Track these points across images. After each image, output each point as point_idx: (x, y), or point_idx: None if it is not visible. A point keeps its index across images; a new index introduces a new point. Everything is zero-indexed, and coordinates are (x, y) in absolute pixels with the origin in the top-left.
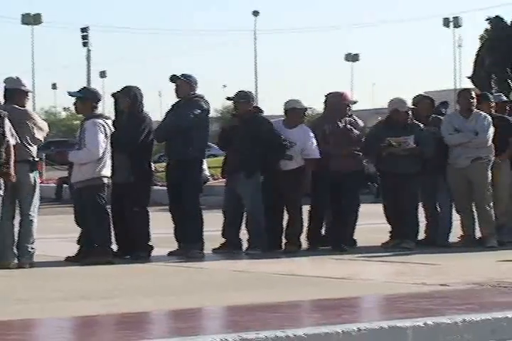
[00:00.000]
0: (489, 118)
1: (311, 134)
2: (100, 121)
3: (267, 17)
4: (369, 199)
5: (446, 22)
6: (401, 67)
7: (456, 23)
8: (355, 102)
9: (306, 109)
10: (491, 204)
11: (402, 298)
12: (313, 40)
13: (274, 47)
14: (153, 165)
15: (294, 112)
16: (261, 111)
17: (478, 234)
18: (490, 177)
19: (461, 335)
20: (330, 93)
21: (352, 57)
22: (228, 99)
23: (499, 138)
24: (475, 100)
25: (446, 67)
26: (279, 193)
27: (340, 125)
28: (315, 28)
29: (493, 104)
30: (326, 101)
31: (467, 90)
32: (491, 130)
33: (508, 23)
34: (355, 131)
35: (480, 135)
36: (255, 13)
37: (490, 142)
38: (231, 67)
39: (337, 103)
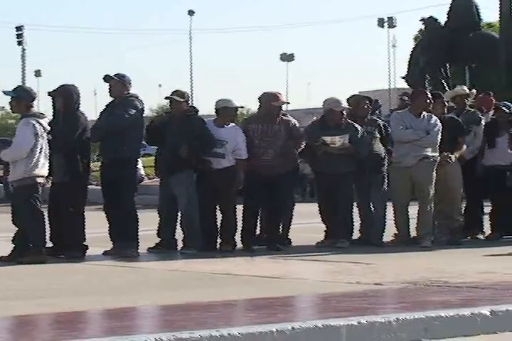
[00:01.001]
0: (438, 119)
1: (242, 133)
2: (32, 120)
3: (202, 17)
4: (299, 199)
5: (380, 22)
6: (336, 67)
7: (391, 23)
8: (287, 103)
9: (237, 108)
10: (432, 204)
11: (337, 297)
12: (249, 40)
13: (210, 46)
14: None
15: (225, 111)
16: (196, 110)
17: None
18: (434, 178)
19: (395, 334)
20: (264, 93)
21: (287, 57)
22: (166, 98)
23: (449, 137)
24: (430, 101)
25: (380, 67)
26: (213, 192)
27: (273, 125)
28: (250, 28)
29: (446, 103)
30: (259, 101)
31: (423, 91)
32: (440, 131)
33: (442, 23)
34: (289, 131)
35: (431, 134)
36: (191, 13)
37: (438, 142)
38: (167, 67)
39: (268, 104)
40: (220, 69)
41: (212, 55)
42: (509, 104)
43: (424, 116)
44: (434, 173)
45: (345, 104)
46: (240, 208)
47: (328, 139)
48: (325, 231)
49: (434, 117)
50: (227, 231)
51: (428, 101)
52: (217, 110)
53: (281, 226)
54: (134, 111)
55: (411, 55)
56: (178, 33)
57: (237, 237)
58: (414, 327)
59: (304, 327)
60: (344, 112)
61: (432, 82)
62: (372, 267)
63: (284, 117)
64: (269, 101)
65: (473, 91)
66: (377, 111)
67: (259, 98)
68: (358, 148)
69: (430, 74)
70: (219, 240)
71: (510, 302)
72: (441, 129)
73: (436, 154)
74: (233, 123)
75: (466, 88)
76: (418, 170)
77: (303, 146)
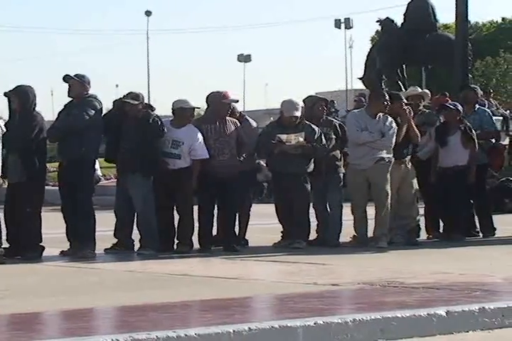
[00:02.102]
0: (393, 121)
1: (199, 134)
2: None
3: (159, 17)
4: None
5: (337, 23)
6: (293, 68)
7: (348, 24)
8: (236, 101)
9: (193, 108)
10: (388, 205)
11: (293, 298)
12: (206, 41)
13: (167, 47)
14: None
15: (182, 112)
16: (152, 108)
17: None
18: (389, 179)
19: (352, 334)
20: (211, 93)
21: (244, 58)
22: (121, 102)
23: (409, 139)
24: (387, 102)
25: (337, 68)
26: (169, 193)
27: (226, 124)
28: (207, 29)
29: (404, 104)
30: (207, 101)
31: (381, 93)
32: (395, 133)
33: (399, 24)
34: (242, 131)
35: (386, 136)
36: (148, 13)
37: (393, 144)
38: (124, 67)
39: (218, 102)
40: (177, 69)
41: (169, 55)
42: (456, 103)
43: (379, 117)
44: (389, 175)
45: (301, 107)
46: (196, 209)
47: (283, 137)
48: (282, 231)
49: (390, 119)
50: (184, 232)
51: (385, 102)
52: (173, 111)
53: (238, 227)
54: (93, 111)
55: (368, 56)
56: (135, 34)
57: (194, 238)
58: (370, 328)
59: (260, 328)
60: (298, 115)
61: (388, 83)
62: (329, 268)
63: (241, 118)
64: (219, 100)
65: (427, 91)
66: (334, 111)
67: (207, 98)
68: (315, 148)
69: (387, 75)
70: (176, 241)
71: (465, 303)
72: (396, 131)
73: (391, 155)
74: (190, 124)
75: (419, 89)
76: (374, 172)
77: (259, 146)
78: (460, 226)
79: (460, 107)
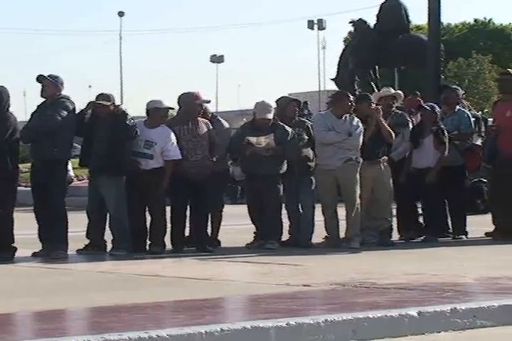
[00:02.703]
0: (359, 121)
1: (172, 135)
2: None
3: (133, 18)
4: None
5: (310, 24)
6: (266, 69)
7: (321, 25)
8: (208, 101)
9: (167, 109)
10: (358, 205)
11: (266, 299)
12: (179, 41)
13: (141, 47)
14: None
15: (155, 112)
16: (123, 111)
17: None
18: (358, 179)
19: (324, 335)
20: (183, 93)
21: (217, 59)
22: (93, 103)
23: (382, 140)
24: (351, 103)
25: (310, 68)
26: (141, 193)
27: (198, 125)
28: (180, 29)
29: (373, 104)
30: (178, 102)
31: (345, 93)
32: (362, 133)
33: (372, 25)
34: (214, 132)
35: (353, 136)
36: (121, 14)
37: (360, 144)
38: (97, 68)
39: (190, 103)
40: (151, 70)
41: (142, 56)
42: (434, 104)
43: (346, 117)
44: (358, 174)
45: (273, 108)
46: (168, 209)
47: (253, 139)
48: (254, 232)
49: (356, 119)
50: (156, 233)
51: (350, 103)
52: (147, 111)
53: (210, 228)
54: (66, 112)
55: (340, 57)
56: (109, 34)
57: (167, 238)
58: (342, 329)
59: (232, 329)
60: (271, 117)
61: (361, 84)
62: (302, 268)
63: (213, 119)
64: (191, 101)
65: (400, 92)
66: (306, 112)
67: (179, 98)
68: (287, 149)
69: (359, 76)
70: (148, 241)
71: (437, 304)
72: (362, 131)
73: (359, 155)
74: (164, 124)
75: (392, 90)
76: (343, 172)
77: (231, 147)
78: (433, 227)
79: (437, 109)
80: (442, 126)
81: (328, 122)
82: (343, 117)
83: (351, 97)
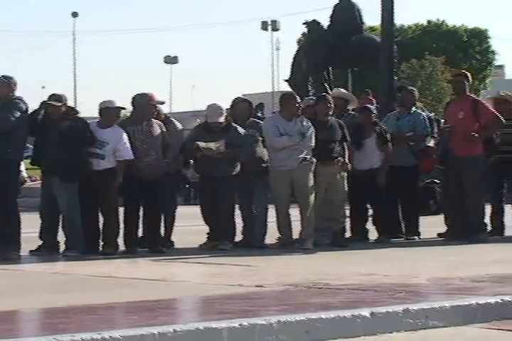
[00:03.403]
0: (309, 121)
1: (124, 135)
2: None
3: (86, 18)
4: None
5: (264, 25)
6: (220, 70)
7: (275, 26)
8: (162, 103)
9: (119, 108)
10: (312, 206)
11: (219, 300)
12: (133, 42)
13: (94, 48)
14: None
15: (107, 112)
16: (76, 111)
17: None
18: (312, 179)
19: (276, 336)
20: (137, 94)
21: (171, 60)
22: (44, 103)
23: (337, 141)
24: (299, 104)
25: (264, 70)
26: (94, 194)
27: (152, 126)
28: (134, 30)
29: (330, 105)
30: (132, 103)
31: (292, 95)
32: (313, 133)
33: (325, 27)
34: (167, 133)
35: (306, 137)
36: (74, 15)
37: (313, 145)
38: (50, 68)
39: (144, 104)
40: (105, 71)
41: (96, 56)
42: (371, 106)
43: (295, 119)
44: (311, 174)
45: (225, 111)
46: (122, 210)
47: (202, 145)
48: (207, 233)
49: (306, 119)
50: (109, 234)
51: (296, 104)
52: (100, 111)
53: (163, 229)
54: (19, 113)
55: (294, 58)
56: (62, 35)
57: (120, 239)
58: (295, 329)
59: (185, 330)
60: (222, 121)
61: (314, 85)
62: (255, 269)
63: (166, 119)
64: (145, 101)
65: (349, 93)
66: (260, 114)
67: (133, 99)
68: (240, 151)
69: (313, 77)
70: (101, 242)
71: (389, 304)
72: (314, 131)
73: (313, 156)
74: (116, 125)
75: (342, 90)
76: (298, 173)
77: (184, 149)
78: (385, 228)
79: (374, 109)
80: (383, 126)
81: (280, 126)
82: (293, 119)
83: (298, 98)
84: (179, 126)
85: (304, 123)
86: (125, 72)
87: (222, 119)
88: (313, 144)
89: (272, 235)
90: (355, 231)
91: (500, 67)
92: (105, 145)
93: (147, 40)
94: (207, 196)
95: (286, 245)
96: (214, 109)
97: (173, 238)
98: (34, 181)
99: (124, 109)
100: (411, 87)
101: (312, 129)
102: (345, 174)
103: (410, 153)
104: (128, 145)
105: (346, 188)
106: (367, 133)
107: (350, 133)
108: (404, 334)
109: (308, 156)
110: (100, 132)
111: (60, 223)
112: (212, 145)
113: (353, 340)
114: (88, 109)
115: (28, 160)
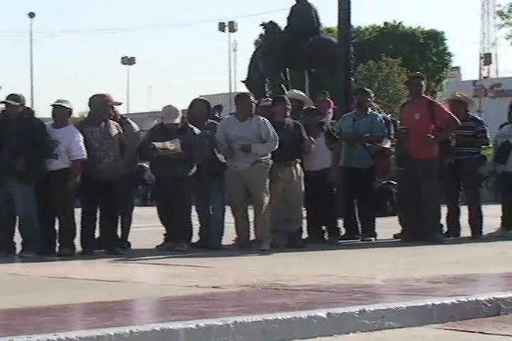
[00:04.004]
0: (265, 121)
1: (78, 135)
2: None
3: (43, 19)
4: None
5: (222, 26)
6: (178, 71)
7: (232, 27)
8: (119, 104)
9: (67, 107)
10: (268, 207)
11: (175, 301)
12: (90, 43)
13: (52, 48)
14: None
15: (59, 112)
16: (31, 112)
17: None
18: (268, 181)
19: (233, 337)
20: (94, 95)
21: (128, 60)
22: (2, 102)
23: (294, 142)
24: (255, 105)
25: (221, 71)
26: (49, 194)
27: (110, 126)
28: (92, 31)
29: (288, 106)
30: (90, 104)
31: (246, 95)
32: (274, 134)
33: (282, 28)
34: (123, 133)
35: (262, 138)
36: (31, 15)
37: (275, 146)
38: (6, 69)
39: (101, 105)
40: (62, 71)
41: (54, 57)
42: (315, 108)
43: (250, 119)
44: (267, 177)
45: (180, 112)
46: (79, 211)
47: (158, 145)
48: (164, 234)
49: (261, 119)
50: (66, 235)
51: (251, 104)
52: (52, 111)
53: (120, 230)
54: None
55: (251, 60)
56: (19, 35)
57: (77, 240)
58: (252, 330)
59: (142, 331)
60: (177, 122)
61: (272, 86)
62: (211, 270)
63: (123, 120)
64: (102, 102)
65: (303, 94)
66: (218, 115)
67: (90, 100)
68: (195, 152)
69: (270, 78)
70: (58, 243)
71: (346, 305)
72: (273, 132)
73: (269, 158)
74: (71, 124)
75: (297, 92)
76: (251, 174)
77: (140, 150)
78: (335, 228)
79: (315, 111)
80: (329, 126)
81: (232, 128)
82: (248, 120)
83: (252, 98)
84: (135, 127)
85: (261, 124)
86: (82, 72)
87: (177, 121)
88: (274, 145)
89: (230, 236)
90: (312, 232)
91: (457, 68)
92: (58, 144)
93: (104, 40)
94: (163, 197)
95: (243, 246)
96: (169, 110)
97: (130, 239)
98: None
99: (70, 109)
100: (367, 88)
101: (269, 130)
102: (302, 175)
103: (367, 155)
104: (81, 145)
105: (303, 189)
106: (315, 134)
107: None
108: (361, 335)
109: (264, 158)
110: (54, 132)
111: (17, 224)
112: (168, 144)
113: None
114: (44, 110)
115: None
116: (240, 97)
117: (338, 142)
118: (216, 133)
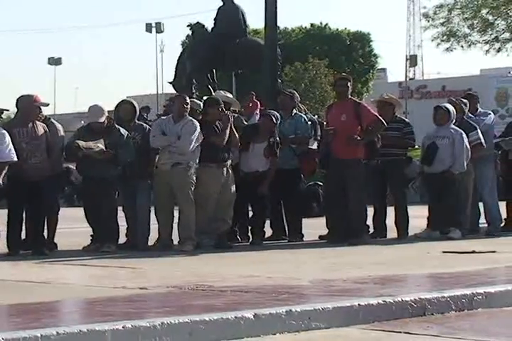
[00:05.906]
0: (194, 125)
1: (5, 137)
2: None
3: None
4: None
5: (148, 27)
6: (104, 72)
7: (159, 28)
8: (47, 105)
9: (2, 111)
10: (189, 208)
11: (102, 302)
12: (16, 43)
13: None
14: None
15: None
16: None
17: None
18: (192, 183)
19: (160, 338)
20: (21, 96)
21: (55, 61)
22: None
23: (228, 144)
24: (189, 106)
25: (149, 72)
26: None
27: (37, 127)
28: (18, 31)
29: (222, 108)
30: (17, 104)
31: (181, 96)
32: (196, 136)
33: (209, 29)
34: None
35: (181, 139)
36: None
37: (191, 148)
38: None
39: (28, 106)
40: None
41: None
42: (275, 113)
43: (181, 121)
44: (191, 178)
45: (106, 112)
46: (4, 212)
47: (82, 144)
48: (91, 235)
49: (190, 122)
50: None
51: (184, 105)
52: None
53: (46, 230)
54: None
55: (178, 61)
56: None
57: (2, 241)
58: (178, 331)
59: (68, 332)
60: (102, 121)
61: (198, 88)
62: (138, 271)
63: (43, 120)
64: (30, 103)
65: (230, 96)
66: (146, 116)
67: (17, 101)
68: (121, 153)
69: (197, 79)
70: None
71: (273, 306)
72: (196, 135)
73: (192, 160)
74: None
75: (223, 93)
76: (172, 176)
77: (66, 150)
78: (259, 230)
79: (275, 118)
80: (277, 138)
81: (164, 127)
82: (180, 121)
83: (186, 100)
84: (60, 127)
85: (186, 126)
86: (8, 73)
87: (102, 120)
88: (191, 147)
89: (156, 236)
90: (240, 233)
91: (383, 70)
92: None
93: (31, 41)
94: (89, 197)
95: (165, 246)
96: (95, 109)
97: (56, 240)
98: None
99: (7, 110)
100: (290, 90)
101: (193, 132)
102: (232, 176)
103: (293, 156)
104: (9, 146)
105: (234, 190)
106: (261, 139)
107: (242, 133)
108: (288, 335)
109: (185, 160)
110: None
111: None
112: (91, 143)
113: None
114: None
115: None
116: (174, 99)
117: (276, 156)
118: (151, 131)
